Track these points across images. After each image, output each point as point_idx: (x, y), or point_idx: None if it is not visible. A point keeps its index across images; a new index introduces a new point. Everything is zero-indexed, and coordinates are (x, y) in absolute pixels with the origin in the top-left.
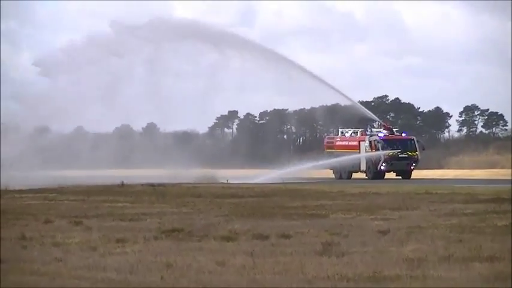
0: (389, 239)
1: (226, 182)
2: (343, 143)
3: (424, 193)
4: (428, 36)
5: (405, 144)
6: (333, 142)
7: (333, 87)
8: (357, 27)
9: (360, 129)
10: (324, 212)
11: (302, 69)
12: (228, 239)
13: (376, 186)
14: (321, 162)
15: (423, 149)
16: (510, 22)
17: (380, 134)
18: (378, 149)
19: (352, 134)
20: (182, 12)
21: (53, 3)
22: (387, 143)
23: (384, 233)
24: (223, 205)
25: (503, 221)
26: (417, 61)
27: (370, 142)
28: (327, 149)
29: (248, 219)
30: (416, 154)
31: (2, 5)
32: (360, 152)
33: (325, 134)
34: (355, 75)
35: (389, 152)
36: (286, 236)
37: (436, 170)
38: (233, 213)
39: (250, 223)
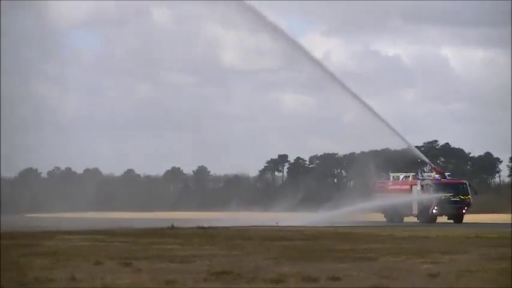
0: (439, 282)
1: (276, 224)
2: (395, 186)
3: (474, 237)
4: (476, 82)
5: (457, 188)
6: (384, 186)
7: (393, 130)
8: (404, 72)
9: (412, 173)
10: (373, 255)
11: (371, 111)
12: (277, 281)
13: (426, 230)
14: (372, 205)
15: (475, 193)
16: None
17: (432, 178)
18: (430, 193)
19: (404, 178)
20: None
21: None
22: (439, 186)
23: (433, 276)
24: (273, 248)
25: None
26: (466, 106)
27: (422, 186)
28: (379, 192)
29: (297, 262)
30: (469, 198)
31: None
32: (411, 195)
33: (376, 178)
34: (404, 120)
35: (442, 195)
36: (336, 279)
37: (486, 214)
38: (282, 256)
39: (299, 266)
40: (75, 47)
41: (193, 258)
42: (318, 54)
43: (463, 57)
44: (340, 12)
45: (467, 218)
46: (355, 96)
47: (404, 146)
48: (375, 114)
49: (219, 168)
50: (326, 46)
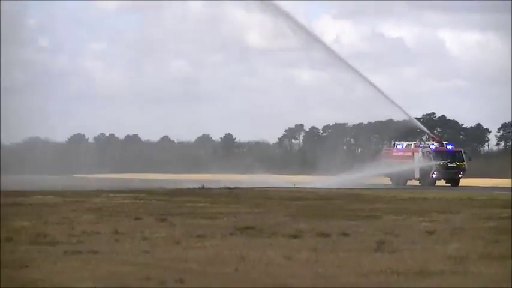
0: (435, 238)
1: (293, 186)
2: (399, 153)
3: (467, 199)
4: (470, 62)
5: (454, 156)
6: (389, 153)
7: (395, 104)
8: (407, 52)
9: (414, 142)
10: (378, 214)
11: (375, 87)
12: (294, 236)
13: (425, 192)
14: (380, 171)
15: (470, 160)
16: None
17: (432, 146)
18: (430, 159)
19: (407, 146)
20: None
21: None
22: (438, 154)
23: (430, 233)
24: (291, 207)
25: None
26: (460, 83)
27: (423, 153)
28: (385, 158)
29: (312, 219)
30: (464, 164)
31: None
32: (414, 161)
33: (381, 145)
34: (406, 94)
35: (440, 162)
36: (345, 234)
37: (477, 179)
38: (299, 214)
39: (314, 223)
40: (118, 27)
41: (221, 215)
42: (330, 35)
43: (458, 39)
44: None
45: (463, 182)
46: (361, 75)
47: (406, 118)
48: (379, 90)
49: (243, 135)
50: (337, 28)
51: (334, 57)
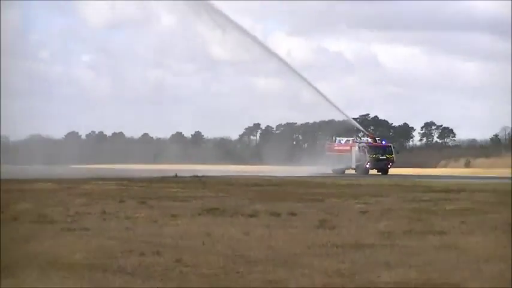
0: (368, 217)
1: (251, 175)
2: (340, 147)
3: (394, 185)
4: (398, 71)
5: (384, 149)
6: (331, 147)
7: (335, 106)
8: (346, 63)
9: (352, 138)
10: (321, 197)
11: (319, 93)
12: (251, 215)
13: (359, 180)
14: (323, 162)
15: (397, 153)
16: (459, 59)
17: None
18: (365, 153)
19: (346, 141)
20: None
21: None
22: (372, 148)
23: (364, 213)
24: (249, 191)
25: (450, 205)
26: (391, 89)
27: (359, 147)
28: (328, 151)
29: (266, 202)
30: (393, 157)
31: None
32: (351, 154)
33: (324, 141)
34: (345, 98)
35: (373, 155)
36: (293, 214)
37: (403, 169)
38: (256, 197)
39: (268, 204)
40: (106, 42)
41: (191, 198)
42: (283, 49)
43: (389, 53)
44: (300, 17)
45: (391, 171)
46: (308, 83)
47: (345, 118)
48: (323, 95)
49: (210, 132)
50: (289, 43)
51: (286, 68)
